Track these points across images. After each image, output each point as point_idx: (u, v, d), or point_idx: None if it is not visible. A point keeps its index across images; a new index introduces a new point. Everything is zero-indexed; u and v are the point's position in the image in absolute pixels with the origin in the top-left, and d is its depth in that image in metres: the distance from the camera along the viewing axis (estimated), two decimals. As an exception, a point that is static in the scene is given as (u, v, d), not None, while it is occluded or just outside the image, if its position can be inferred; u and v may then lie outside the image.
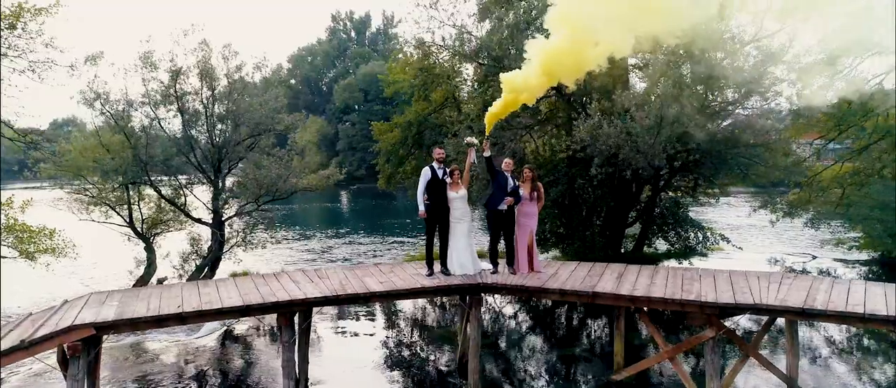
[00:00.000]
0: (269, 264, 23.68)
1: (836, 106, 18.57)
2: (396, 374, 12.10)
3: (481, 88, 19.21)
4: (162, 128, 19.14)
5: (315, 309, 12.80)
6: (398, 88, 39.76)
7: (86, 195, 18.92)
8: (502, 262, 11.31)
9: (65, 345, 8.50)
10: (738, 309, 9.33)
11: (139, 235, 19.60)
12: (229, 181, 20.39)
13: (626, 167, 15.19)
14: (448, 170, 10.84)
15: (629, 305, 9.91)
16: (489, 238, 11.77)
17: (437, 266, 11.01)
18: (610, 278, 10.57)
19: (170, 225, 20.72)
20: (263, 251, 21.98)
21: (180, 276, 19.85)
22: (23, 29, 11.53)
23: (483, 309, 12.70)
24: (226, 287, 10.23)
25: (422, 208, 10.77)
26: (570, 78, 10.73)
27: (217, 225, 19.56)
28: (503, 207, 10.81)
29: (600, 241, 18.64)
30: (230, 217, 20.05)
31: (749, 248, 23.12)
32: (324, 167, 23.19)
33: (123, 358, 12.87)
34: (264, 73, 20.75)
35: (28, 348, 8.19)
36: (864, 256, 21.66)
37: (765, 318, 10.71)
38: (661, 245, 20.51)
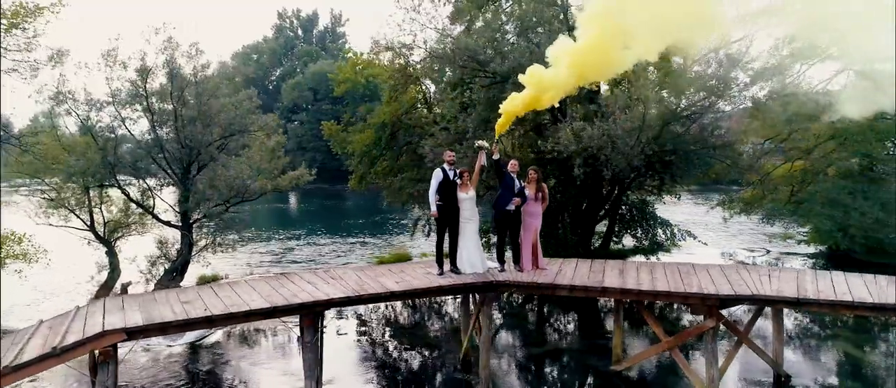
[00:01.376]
0: (234, 268, 23.49)
1: (787, 108, 20.04)
2: (398, 373, 12.47)
3: (456, 90, 19.70)
4: (127, 129, 18.78)
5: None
6: (349, 88, 39.83)
7: (44, 198, 18.37)
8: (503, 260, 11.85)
9: (96, 351, 8.49)
10: (738, 300, 10.20)
11: (101, 239, 19.15)
12: (199, 183, 20.15)
13: (606, 168, 16.01)
14: (458, 171, 11.29)
15: (636, 298, 10.65)
16: (497, 238, 12.27)
17: (446, 265, 11.43)
18: (612, 274, 11.28)
19: (132, 229, 20.31)
20: (226, 255, 21.79)
21: (147, 280, 19.55)
22: (23, 29, 11.22)
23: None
24: (245, 290, 10.37)
25: (434, 208, 11.19)
26: (599, 79, 11.14)
27: (186, 228, 19.36)
28: (511, 207, 11.36)
29: (573, 238, 19.49)
30: (197, 220, 19.84)
31: (699, 244, 24.52)
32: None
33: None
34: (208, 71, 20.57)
35: (60, 354, 8.16)
36: (812, 249, 23.39)
37: (754, 308, 11.65)
38: (628, 242, 21.55)
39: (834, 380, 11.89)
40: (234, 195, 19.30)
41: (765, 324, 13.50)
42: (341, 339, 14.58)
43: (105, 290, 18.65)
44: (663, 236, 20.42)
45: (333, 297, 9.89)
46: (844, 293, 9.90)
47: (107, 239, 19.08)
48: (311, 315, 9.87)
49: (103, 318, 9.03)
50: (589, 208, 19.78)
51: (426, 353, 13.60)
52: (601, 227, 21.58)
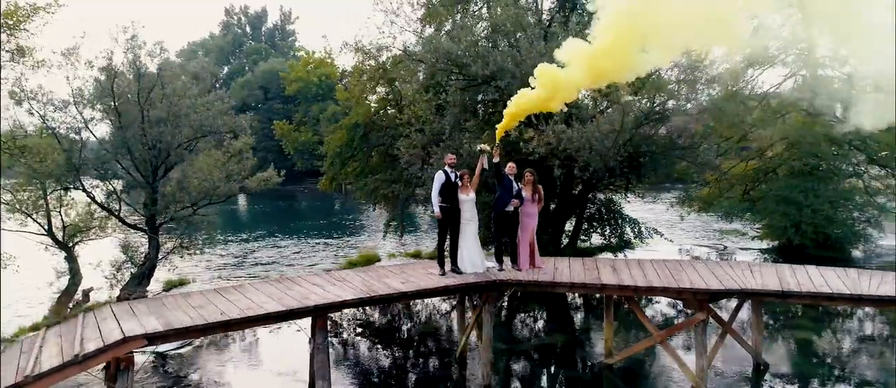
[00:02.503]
0: (198, 272, 23.20)
1: (742, 110, 21.35)
2: (395, 372, 12.78)
3: (429, 92, 20.06)
4: (91, 131, 18.37)
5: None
6: (300, 87, 39.70)
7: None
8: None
9: (117, 357, 8.49)
10: (727, 294, 10.98)
11: (59, 244, 18.63)
12: (168, 185, 19.84)
13: (584, 169, 16.72)
14: (458, 174, 11.69)
15: (633, 294, 11.28)
16: (495, 238, 12.72)
17: (447, 265, 11.80)
18: (606, 271, 11.91)
19: (92, 233, 19.82)
20: (188, 259, 21.49)
21: (112, 286, 19.17)
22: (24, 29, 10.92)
23: (471, 305, 13.60)
24: (252, 293, 10.49)
25: (437, 209, 11.56)
26: (614, 81, 11.44)
27: (153, 231, 19.05)
28: (510, 208, 11.84)
29: (545, 237, 20.16)
30: (164, 222, 19.54)
31: (661, 240, 25.72)
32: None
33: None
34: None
35: (82, 362, 8.14)
36: (764, 244, 24.87)
37: (736, 301, 12.51)
38: (596, 239, 22.44)
39: (806, 367, 12.87)
40: (202, 197, 19.13)
41: (742, 316, 14.42)
42: (335, 339, 14.75)
43: (66, 297, 18.19)
44: (631, 234, 21.37)
45: (346, 298, 10.13)
46: (822, 285, 10.80)
47: (65, 244, 18.58)
48: (323, 317, 10.09)
49: (118, 324, 9.00)
50: (559, 207, 20.50)
51: (422, 352, 13.95)
52: (568, 225, 22.37)
